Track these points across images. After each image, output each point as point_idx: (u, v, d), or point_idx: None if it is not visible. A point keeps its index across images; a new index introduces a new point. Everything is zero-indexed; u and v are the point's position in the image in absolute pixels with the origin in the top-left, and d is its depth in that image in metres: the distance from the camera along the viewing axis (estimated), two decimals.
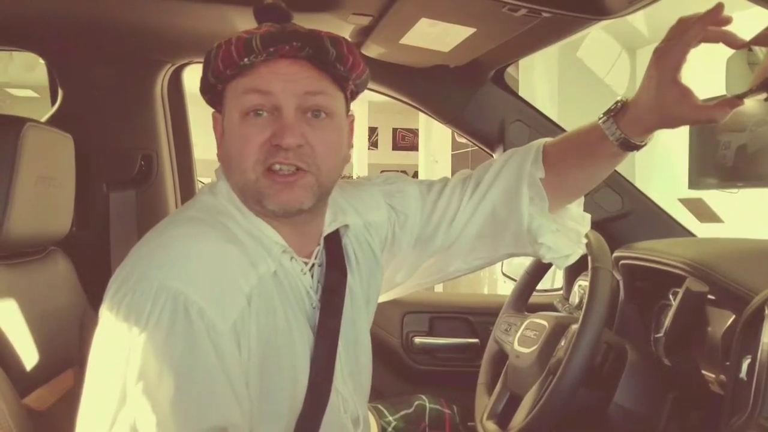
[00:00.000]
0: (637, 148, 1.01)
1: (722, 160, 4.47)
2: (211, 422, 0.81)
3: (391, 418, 1.44)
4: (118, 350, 0.81)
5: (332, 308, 0.99)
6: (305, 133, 0.91)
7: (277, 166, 0.90)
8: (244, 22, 1.42)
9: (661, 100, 0.94)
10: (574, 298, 1.60)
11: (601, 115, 1.01)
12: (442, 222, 1.14)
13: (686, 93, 0.93)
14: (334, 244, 1.04)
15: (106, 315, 0.84)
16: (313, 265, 1.00)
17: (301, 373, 0.94)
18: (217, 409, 0.83)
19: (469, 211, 1.14)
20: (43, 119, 1.52)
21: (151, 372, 0.80)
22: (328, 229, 1.02)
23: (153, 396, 0.79)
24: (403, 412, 1.46)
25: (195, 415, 0.81)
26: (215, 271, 0.87)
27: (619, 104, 1.00)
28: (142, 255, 0.88)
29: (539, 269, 1.47)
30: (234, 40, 0.90)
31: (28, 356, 1.08)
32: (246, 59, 0.89)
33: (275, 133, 0.90)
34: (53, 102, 1.59)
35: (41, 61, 1.60)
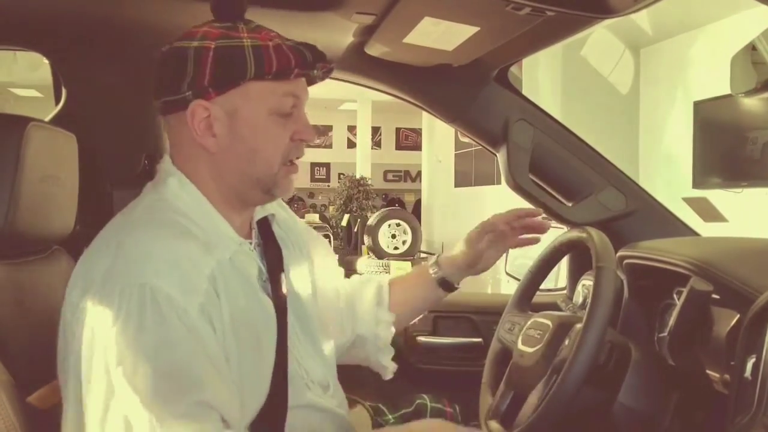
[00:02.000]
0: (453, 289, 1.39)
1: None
2: (195, 397, 0.87)
3: (390, 416, 1.44)
4: (99, 348, 0.88)
5: (277, 278, 1.11)
6: None
7: (293, 159, 1.05)
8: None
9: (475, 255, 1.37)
10: (578, 298, 1.60)
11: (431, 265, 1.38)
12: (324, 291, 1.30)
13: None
14: (265, 227, 1.17)
15: (83, 317, 0.91)
16: (252, 244, 1.11)
17: (272, 344, 1.04)
18: (199, 386, 0.88)
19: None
20: (47, 119, 1.52)
21: (128, 358, 0.86)
22: (259, 215, 1.15)
23: (134, 380, 0.85)
24: (402, 411, 1.46)
25: (177, 391, 0.87)
26: (175, 259, 0.94)
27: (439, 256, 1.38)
28: (102, 262, 0.94)
29: (543, 269, 1.47)
30: (285, 47, 1.00)
31: (32, 355, 1.08)
32: (310, 71, 1.02)
33: (301, 131, 1.04)
34: (57, 101, 1.59)
35: (45, 60, 1.60)
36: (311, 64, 1.01)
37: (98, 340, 0.88)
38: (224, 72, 0.98)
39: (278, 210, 1.21)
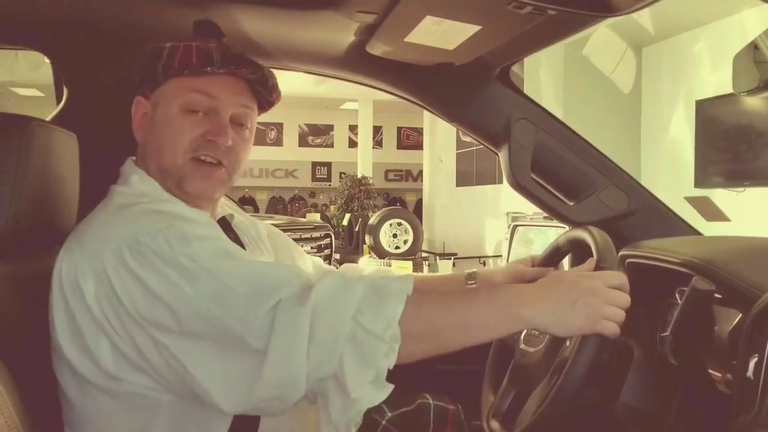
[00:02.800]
0: None
1: None
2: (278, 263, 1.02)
3: (390, 414, 1.44)
4: (183, 275, 0.94)
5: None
6: (232, 136, 1.12)
7: (203, 157, 1.11)
8: (252, 22, 1.42)
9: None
10: None
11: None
12: None
13: None
14: (224, 226, 1.24)
15: (124, 278, 0.95)
16: None
17: None
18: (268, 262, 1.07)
19: None
20: (48, 118, 1.52)
21: (206, 265, 0.95)
22: (219, 214, 1.25)
23: (230, 271, 0.95)
24: (403, 409, 1.45)
25: (255, 262, 1.01)
26: (179, 212, 1.05)
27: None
28: (112, 235, 1.00)
29: (546, 267, 1.47)
30: (194, 48, 1.10)
31: (33, 353, 1.08)
32: (209, 68, 1.09)
33: (211, 131, 1.10)
34: (58, 101, 1.59)
35: (46, 60, 1.60)
36: (216, 62, 1.09)
37: (176, 274, 0.94)
38: (146, 71, 1.13)
39: (237, 216, 1.31)
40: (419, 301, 0.95)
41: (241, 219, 1.32)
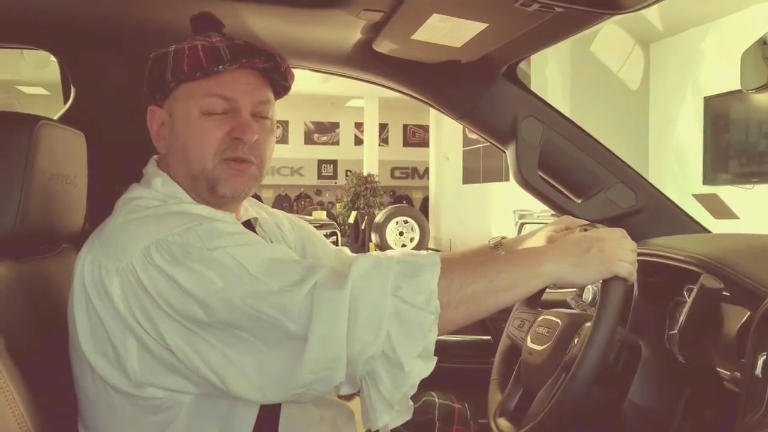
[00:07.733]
0: None
1: None
2: (303, 262, 0.99)
3: None
4: (217, 267, 0.94)
5: None
6: (257, 130, 1.09)
7: (232, 156, 1.08)
8: (259, 20, 1.42)
9: None
10: (588, 295, 1.60)
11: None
12: None
13: None
14: (248, 227, 1.21)
15: (158, 275, 0.94)
16: None
17: None
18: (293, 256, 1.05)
19: None
20: (55, 117, 1.52)
21: (236, 257, 0.94)
22: (244, 217, 1.21)
23: (253, 261, 0.95)
24: None
25: (285, 257, 0.99)
26: (205, 213, 1.04)
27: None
28: (140, 233, 0.99)
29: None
30: (200, 47, 1.07)
31: (41, 352, 1.09)
32: (221, 66, 1.06)
33: (235, 128, 1.08)
34: (65, 100, 1.60)
35: (53, 59, 1.60)
36: (227, 58, 1.06)
37: (205, 267, 0.94)
38: (154, 78, 1.11)
39: (261, 213, 1.29)
40: (449, 270, 0.97)
41: (265, 217, 1.31)
